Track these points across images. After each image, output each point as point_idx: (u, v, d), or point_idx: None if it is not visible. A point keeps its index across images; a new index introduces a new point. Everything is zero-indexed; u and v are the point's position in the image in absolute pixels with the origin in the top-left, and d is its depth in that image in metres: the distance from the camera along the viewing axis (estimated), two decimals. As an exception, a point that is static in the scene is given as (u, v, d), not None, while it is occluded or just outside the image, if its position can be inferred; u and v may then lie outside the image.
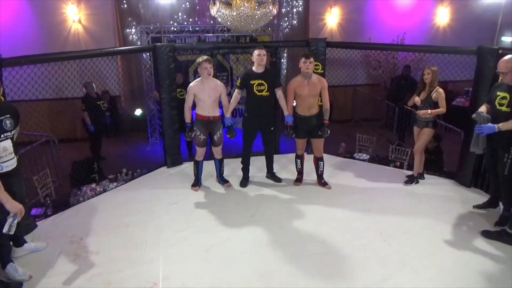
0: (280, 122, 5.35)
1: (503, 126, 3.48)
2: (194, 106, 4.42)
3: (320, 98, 4.42)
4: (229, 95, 7.66)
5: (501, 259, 3.28)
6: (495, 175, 3.85)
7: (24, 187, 3.37)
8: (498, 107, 3.64)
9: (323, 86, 4.36)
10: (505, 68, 3.50)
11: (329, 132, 4.38)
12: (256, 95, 4.39)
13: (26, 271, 3.07)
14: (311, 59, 4.25)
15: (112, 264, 3.25)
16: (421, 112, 4.47)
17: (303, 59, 4.24)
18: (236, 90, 4.52)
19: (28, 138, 5.11)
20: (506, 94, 3.57)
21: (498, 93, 3.67)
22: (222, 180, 4.78)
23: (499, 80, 3.87)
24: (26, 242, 3.41)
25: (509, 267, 3.17)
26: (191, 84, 4.34)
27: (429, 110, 4.40)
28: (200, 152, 4.53)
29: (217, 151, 4.61)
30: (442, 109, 4.39)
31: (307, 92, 4.30)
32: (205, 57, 4.22)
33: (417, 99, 4.57)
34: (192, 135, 4.38)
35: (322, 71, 5.33)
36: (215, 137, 4.47)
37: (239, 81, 4.51)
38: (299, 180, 4.80)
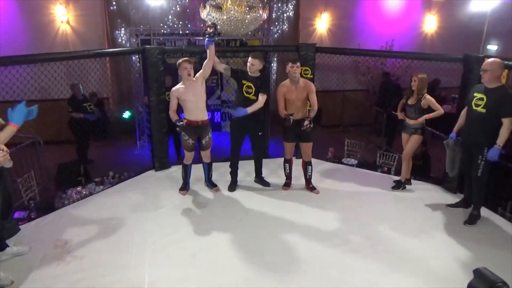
0: (269, 126, 5.35)
1: (500, 141, 3.59)
2: (182, 111, 4.38)
3: (309, 102, 4.44)
4: (219, 99, 7.75)
5: (488, 264, 3.30)
6: (471, 178, 4.02)
7: (7, 185, 3.28)
8: (474, 107, 3.78)
9: (310, 90, 4.38)
10: (488, 66, 3.62)
11: (312, 125, 4.18)
12: (244, 96, 4.40)
13: (8, 275, 3.00)
14: (298, 64, 4.28)
15: (97, 269, 3.20)
16: (420, 119, 4.46)
17: (290, 64, 4.27)
18: (227, 67, 4.51)
19: (13, 139, 5.00)
20: (483, 96, 3.70)
21: (475, 94, 3.81)
22: (211, 184, 4.75)
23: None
24: (8, 246, 3.34)
25: (496, 272, 3.20)
26: (173, 88, 4.28)
27: (427, 115, 4.42)
28: (188, 156, 4.50)
29: (206, 155, 4.59)
30: (439, 111, 4.39)
31: (295, 97, 4.34)
32: (185, 58, 4.24)
33: (400, 115, 4.70)
34: (183, 123, 4.16)
35: (311, 76, 5.36)
36: (204, 141, 4.44)
37: (235, 69, 4.53)
38: (287, 184, 4.80)
